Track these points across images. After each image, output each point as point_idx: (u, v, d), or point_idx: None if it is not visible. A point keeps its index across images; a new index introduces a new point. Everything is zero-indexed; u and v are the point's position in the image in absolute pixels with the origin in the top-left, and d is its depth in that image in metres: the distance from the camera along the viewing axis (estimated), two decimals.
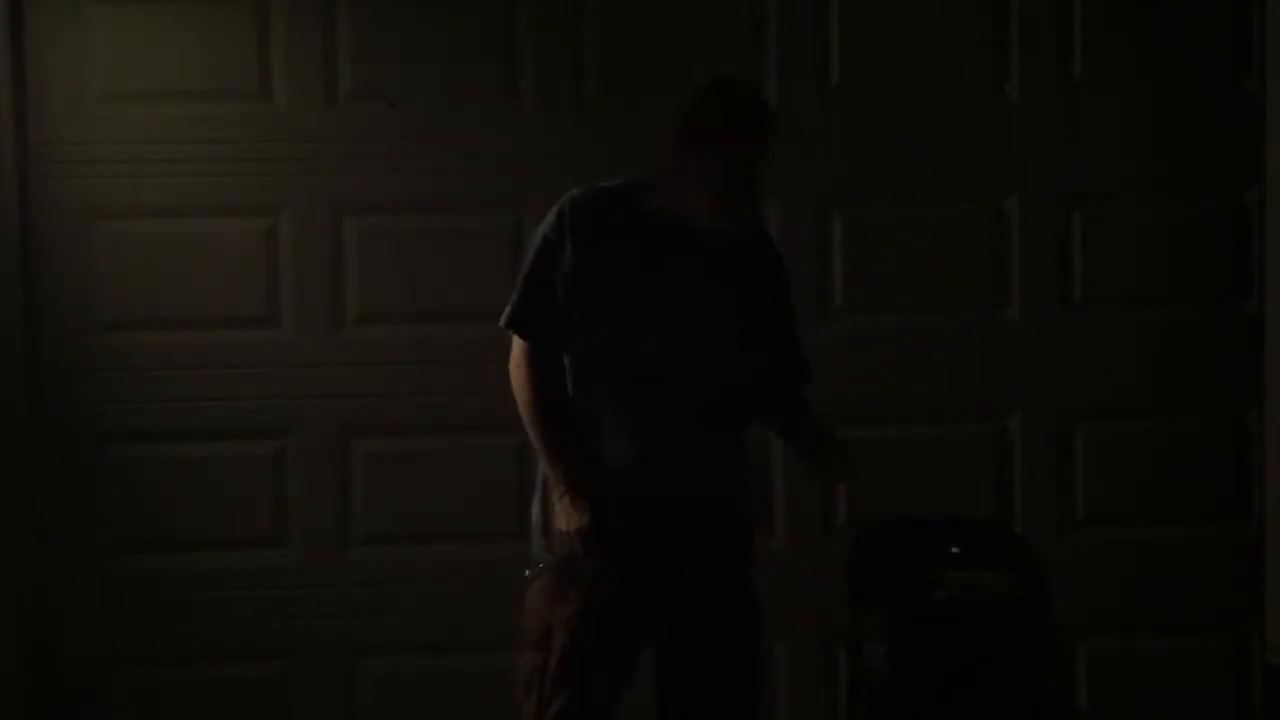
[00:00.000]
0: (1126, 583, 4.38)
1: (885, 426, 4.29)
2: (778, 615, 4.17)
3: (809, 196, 4.28)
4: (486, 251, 4.24)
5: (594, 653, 3.25)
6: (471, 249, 4.25)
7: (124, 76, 4.18)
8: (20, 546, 4.17)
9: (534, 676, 3.27)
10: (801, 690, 4.33)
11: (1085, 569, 4.33)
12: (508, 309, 3.30)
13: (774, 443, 4.24)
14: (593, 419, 3.25)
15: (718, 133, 3.22)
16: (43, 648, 4.21)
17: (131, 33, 4.18)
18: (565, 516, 3.22)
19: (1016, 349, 4.34)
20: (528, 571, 3.35)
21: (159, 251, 4.21)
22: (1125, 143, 4.33)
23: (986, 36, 4.29)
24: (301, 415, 4.24)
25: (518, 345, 3.29)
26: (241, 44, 4.20)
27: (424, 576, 4.27)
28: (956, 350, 4.31)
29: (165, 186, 4.19)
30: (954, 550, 3.97)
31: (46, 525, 4.20)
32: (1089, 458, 4.37)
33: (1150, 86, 4.34)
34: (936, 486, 4.25)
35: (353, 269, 4.25)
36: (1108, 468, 4.38)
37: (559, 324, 3.25)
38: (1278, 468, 4.31)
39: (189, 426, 4.22)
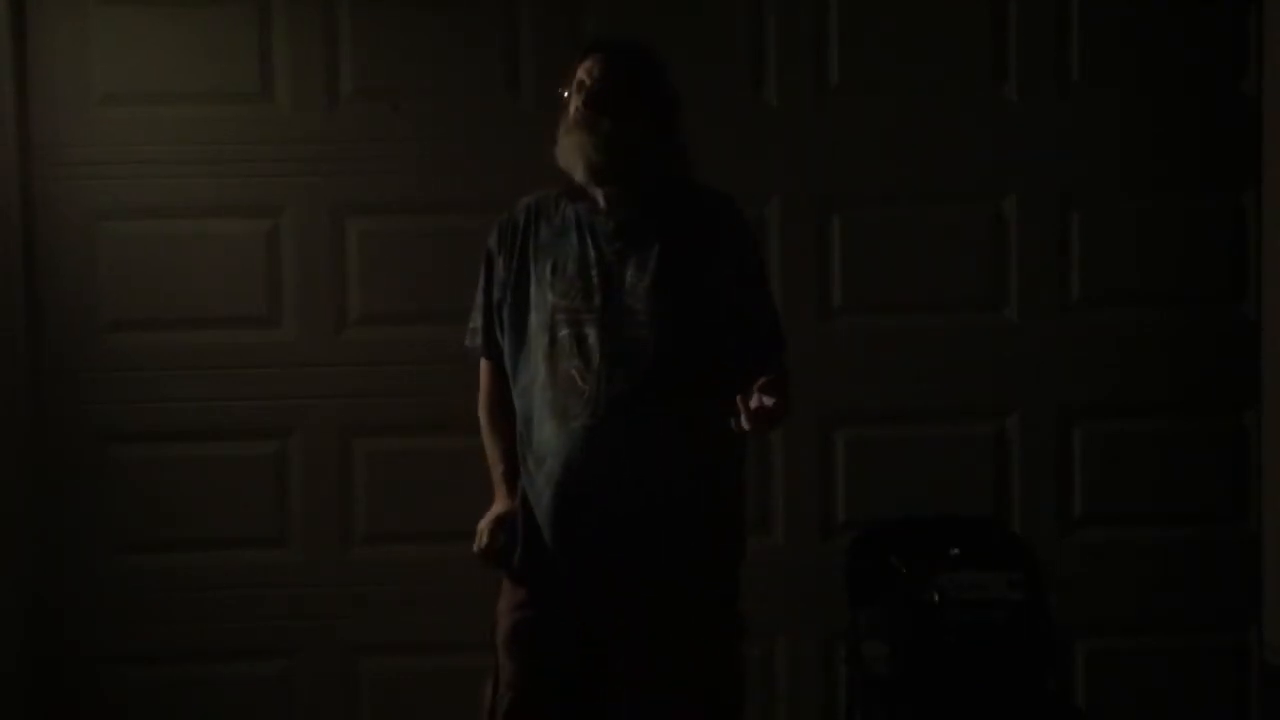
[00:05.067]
0: (1126, 583, 4.37)
1: (885, 426, 4.29)
2: (778, 615, 4.21)
3: (809, 196, 4.28)
4: None
5: (529, 658, 3.16)
6: (472, 249, 4.24)
7: (126, 78, 4.19)
8: (20, 546, 4.17)
9: (490, 674, 3.23)
10: (801, 690, 4.33)
11: (1085, 569, 4.33)
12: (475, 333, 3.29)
13: (774, 442, 4.27)
14: (526, 423, 3.16)
15: (566, 107, 3.16)
16: (43, 648, 4.22)
17: (134, 34, 4.19)
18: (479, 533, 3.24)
19: (1016, 349, 4.34)
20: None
21: (161, 252, 4.21)
22: (1124, 143, 4.33)
23: (986, 36, 4.30)
24: (302, 415, 4.25)
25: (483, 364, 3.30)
26: (244, 45, 4.21)
27: (424, 576, 4.26)
28: (956, 350, 4.31)
29: (167, 188, 4.20)
30: (953, 550, 3.97)
31: (46, 525, 4.20)
32: (1088, 458, 4.37)
33: (1149, 87, 4.34)
34: (936, 486, 4.25)
35: (354, 270, 4.25)
36: (1107, 468, 4.37)
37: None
38: (1277, 468, 4.31)
39: (189, 426, 4.22)
